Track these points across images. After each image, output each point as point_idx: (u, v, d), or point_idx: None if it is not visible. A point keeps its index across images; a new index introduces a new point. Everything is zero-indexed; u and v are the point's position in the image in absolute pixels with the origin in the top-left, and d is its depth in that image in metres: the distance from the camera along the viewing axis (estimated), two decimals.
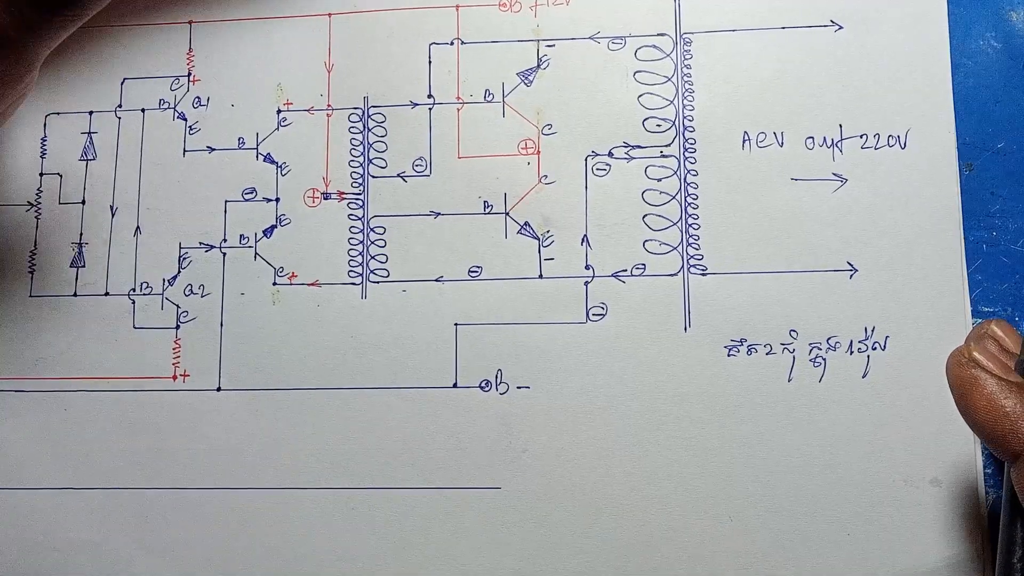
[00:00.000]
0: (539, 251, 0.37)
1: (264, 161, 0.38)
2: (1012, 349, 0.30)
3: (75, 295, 0.38)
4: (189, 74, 0.39)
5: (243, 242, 0.38)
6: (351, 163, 0.38)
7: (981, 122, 0.37)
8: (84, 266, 0.39)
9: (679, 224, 0.37)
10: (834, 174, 0.36)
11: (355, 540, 0.36)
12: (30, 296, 0.39)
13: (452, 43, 0.38)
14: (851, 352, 0.35)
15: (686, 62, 0.37)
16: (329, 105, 0.39)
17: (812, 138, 0.37)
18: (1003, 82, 0.37)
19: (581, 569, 0.35)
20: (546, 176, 0.37)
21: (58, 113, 0.40)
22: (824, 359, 0.35)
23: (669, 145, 0.37)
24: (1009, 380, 0.28)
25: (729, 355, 0.36)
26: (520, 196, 0.37)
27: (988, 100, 0.37)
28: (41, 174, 0.39)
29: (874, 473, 0.35)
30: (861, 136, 0.36)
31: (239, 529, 0.37)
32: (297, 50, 0.39)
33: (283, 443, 0.37)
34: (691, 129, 0.37)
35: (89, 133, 0.39)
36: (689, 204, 0.37)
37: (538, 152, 0.38)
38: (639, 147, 0.37)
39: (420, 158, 0.38)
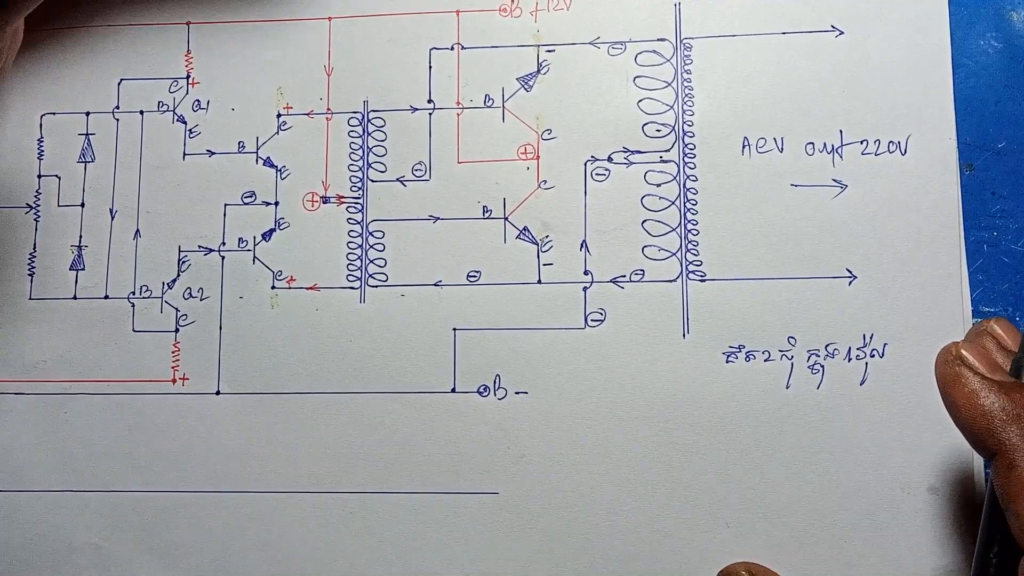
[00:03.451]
0: (538, 256, 0.37)
1: (264, 165, 0.38)
2: (1011, 347, 0.30)
3: (75, 298, 0.38)
4: (188, 76, 0.39)
5: (242, 246, 0.38)
6: (351, 167, 0.38)
7: (982, 122, 0.37)
8: (84, 269, 0.39)
9: (678, 230, 0.37)
10: (834, 180, 0.36)
11: (353, 544, 0.36)
12: (30, 299, 0.39)
13: (452, 48, 0.38)
14: (849, 359, 0.35)
15: (686, 67, 0.37)
16: (329, 109, 0.38)
17: (812, 144, 0.37)
18: (1004, 82, 0.37)
19: (578, 574, 0.36)
20: (545, 181, 0.37)
21: (53, 113, 0.40)
22: (822, 366, 0.35)
23: (669, 150, 0.37)
24: (992, 379, 0.29)
25: (727, 361, 0.36)
26: (519, 201, 0.37)
27: (989, 100, 0.37)
28: (39, 176, 0.39)
29: (872, 480, 0.35)
30: (861, 142, 0.36)
31: (238, 532, 0.37)
32: (297, 54, 0.39)
33: (281, 447, 0.37)
34: (691, 134, 0.37)
35: (87, 135, 0.39)
36: (688, 210, 0.37)
37: (537, 157, 0.37)
38: (639, 152, 0.37)
39: (420, 163, 0.38)
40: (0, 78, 0.37)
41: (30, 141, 0.40)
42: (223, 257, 0.38)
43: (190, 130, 0.39)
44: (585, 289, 0.37)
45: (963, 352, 0.29)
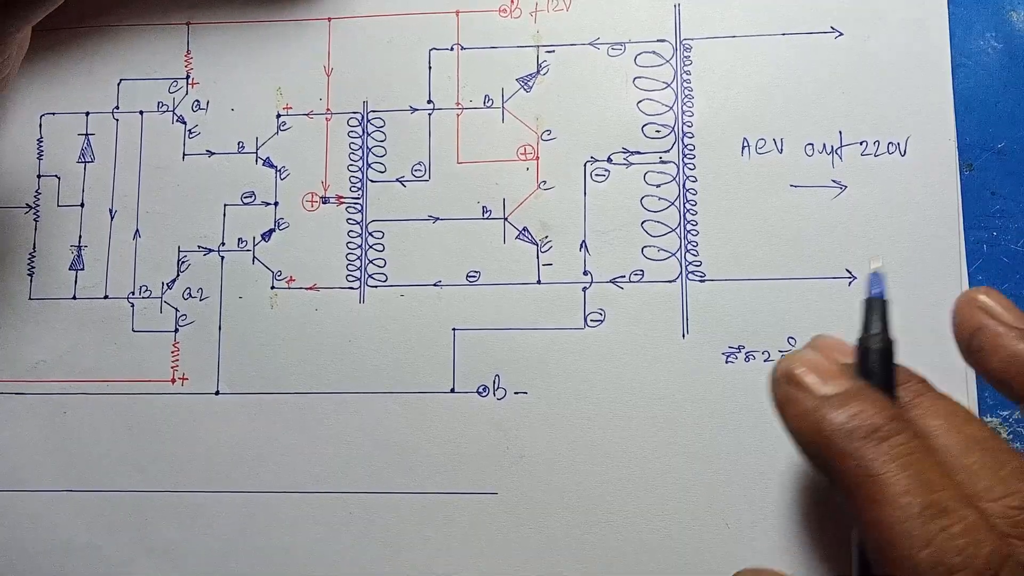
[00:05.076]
0: (537, 256, 0.37)
1: (263, 165, 0.38)
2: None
3: (74, 298, 0.38)
4: (188, 76, 0.39)
5: (241, 246, 0.38)
6: (350, 167, 0.38)
7: (981, 122, 0.37)
8: (83, 269, 0.39)
9: (678, 230, 0.37)
10: (833, 181, 0.36)
11: (352, 544, 0.36)
12: (29, 299, 0.39)
13: (452, 48, 0.38)
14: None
15: (686, 68, 0.37)
16: (328, 109, 0.38)
17: (812, 145, 0.37)
18: (1003, 82, 0.37)
19: (578, 574, 0.36)
20: (545, 182, 0.37)
21: (53, 113, 0.40)
22: None
23: (668, 151, 0.37)
24: (828, 394, 0.26)
25: (727, 361, 0.36)
26: (519, 201, 0.37)
27: (988, 100, 0.37)
28: (39, 176, 0.39)
29: None
30: (861, 143, 0.36)
31: (237, 532, 0.37)
32: (297, 54, 0.39)
33: (281, 447, 0.37)
34: (690, 135, 0.37)
35: (86, 135, 0.39)
36: (688, 210, 0.37)
37: (537, 158, 0.37)
38: (638, 153, 0.37)
39: (419, 163, 0.38)
40: (7, 85, 0.37)
41: (30, 141, 0.40)
42: (223, 257, 0.38)
43: (190, 130, 0.39)
44: (585, 289, 0.37)
45: (792, 369, 0.27)
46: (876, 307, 0.29)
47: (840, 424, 0.25)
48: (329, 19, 0.39)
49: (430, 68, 0.38)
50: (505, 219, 0.37)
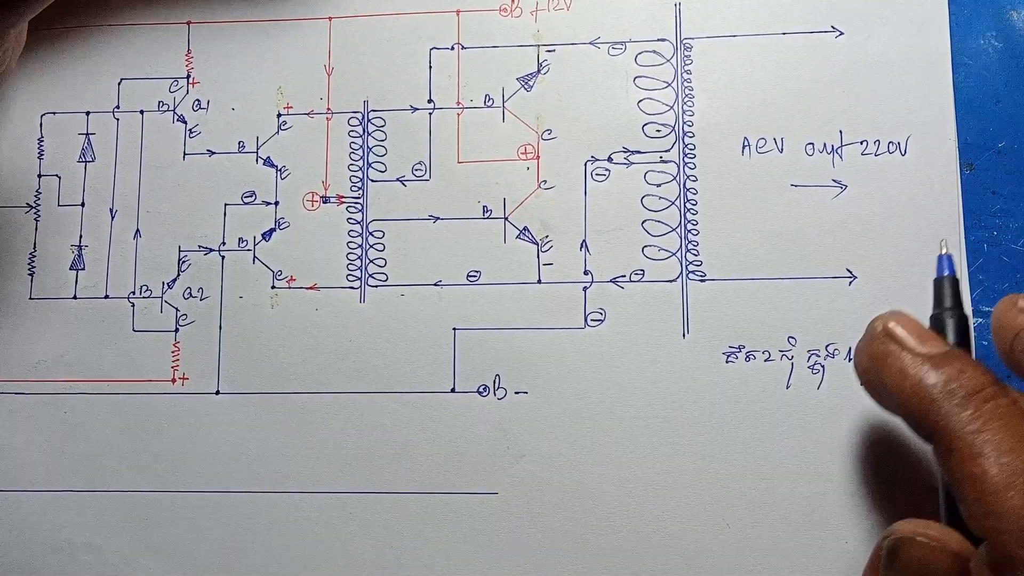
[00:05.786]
0: (538, 256, 0.37)
1: (264, 164, 0.38)
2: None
3: (75, 298, 0.38)
4: (188, 76, 0.39)
5: (242, 245, 0.38)
6: (351, 167, 0.38)
7: (982, 122, 0.37)
8: (84, 269, 0.39)
9: (678, 230, 0.37)
10: (834, 180, 0.36)
11: (352, 544, 0.36)
12: (30, 299, 0.39)
13: (452, 48, 0.38)
14: (850, 359, 0.35)
15: (686, 67, 0.37)
16: (329, 109, 0.38)
17: (812, 144, 0.36)
18: (1004, 81, 0.37)
19: (578, 574, 0.36)
20: (545, 181, 0.37)
21: (54, 113, 0.40)
22: (823, 366, 0.35)
23: (669, 151, 0.37)
24: (921, 352, 0.27)
25: (727, 361, 0.36)
26: (519, 201, 0.37)
27: (989, 100, 0.37)
28: (39, 175, 0.39)
29: (872, 480, 0.35)
30: (861, 142, 0.36)
31: (237, 532, 0.37)
32: (297, 54, 0.39)
33: (281, 446, 0.37)
34: (691, 135, 0.37)
35: (87, 134, 0.39)
36: (688, 210, 0.37)
37: (537, 157, 0.37)
38: (639, 152, 0.37)
39: (420, 162, 0.38)
40: (4, 81, 0.37)
41: (30, 141, 0.40)
42: (223, 257, 0.38)
43: (190, 130, 0.39)
44: (585, 289, 0.37)
45: (892, 327, 0.28)
46: (948, 285, 0.31)
47: (943, 383, 0.27)
48: (330, 18, 0.39)
49: (430, 67, 0.38)
50: (505, 218, 0.37)
